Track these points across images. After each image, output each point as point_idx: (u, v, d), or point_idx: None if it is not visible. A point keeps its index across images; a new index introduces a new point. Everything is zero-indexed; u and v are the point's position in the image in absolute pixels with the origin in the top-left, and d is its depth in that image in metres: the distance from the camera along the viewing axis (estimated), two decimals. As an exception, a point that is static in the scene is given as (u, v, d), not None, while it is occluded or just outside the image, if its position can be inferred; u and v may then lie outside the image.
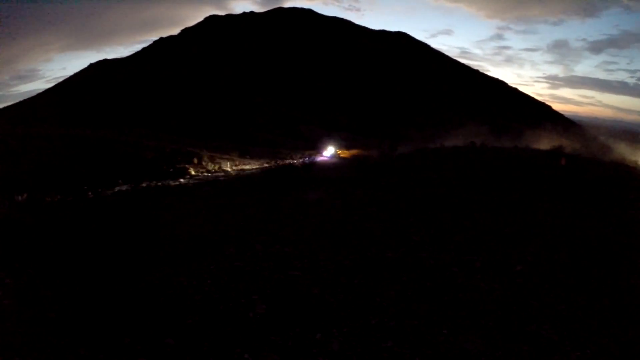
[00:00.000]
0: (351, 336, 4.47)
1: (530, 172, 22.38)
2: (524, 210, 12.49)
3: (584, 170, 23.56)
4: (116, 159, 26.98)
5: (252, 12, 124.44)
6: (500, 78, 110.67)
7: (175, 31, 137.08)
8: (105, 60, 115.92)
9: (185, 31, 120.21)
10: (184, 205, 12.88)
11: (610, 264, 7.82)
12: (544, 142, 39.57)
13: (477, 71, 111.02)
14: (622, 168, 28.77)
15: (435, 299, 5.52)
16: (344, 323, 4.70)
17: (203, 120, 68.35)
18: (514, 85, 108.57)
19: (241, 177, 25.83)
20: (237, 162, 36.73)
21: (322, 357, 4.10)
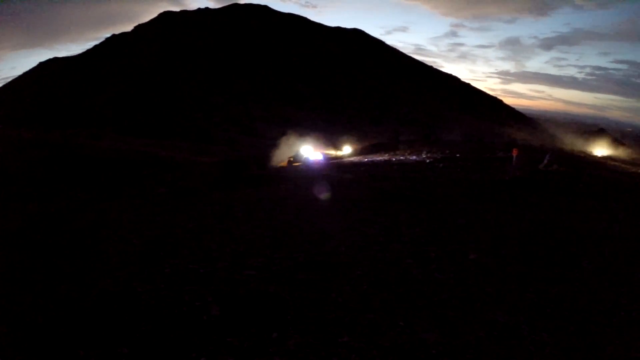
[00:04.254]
0: (307, 333, 4.40)
1: (483, 164, 23.09)
2: (479, 200, 12.84)
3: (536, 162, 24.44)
4: (69, 163, 25.87)
5: (207, 8, 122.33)
6: (454, 74, 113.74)
7: (129, 28, 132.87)
8: (56, 59, 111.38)
9: (139, 28, 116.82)
10: (136, 209, 12.45)
11: (562, 250, 8.14)
12: (497, 135, 40.92)
13: (431, 67, 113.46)
14: (575, 158, 30.18)
15: (391, 291, 5.52)
16: (300, 320, 4.63)
17: (157, 119, 66.69)
18: (467, 81, 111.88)
19: (197, 176, 25.32)
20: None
21: (278, 357, 4.00)
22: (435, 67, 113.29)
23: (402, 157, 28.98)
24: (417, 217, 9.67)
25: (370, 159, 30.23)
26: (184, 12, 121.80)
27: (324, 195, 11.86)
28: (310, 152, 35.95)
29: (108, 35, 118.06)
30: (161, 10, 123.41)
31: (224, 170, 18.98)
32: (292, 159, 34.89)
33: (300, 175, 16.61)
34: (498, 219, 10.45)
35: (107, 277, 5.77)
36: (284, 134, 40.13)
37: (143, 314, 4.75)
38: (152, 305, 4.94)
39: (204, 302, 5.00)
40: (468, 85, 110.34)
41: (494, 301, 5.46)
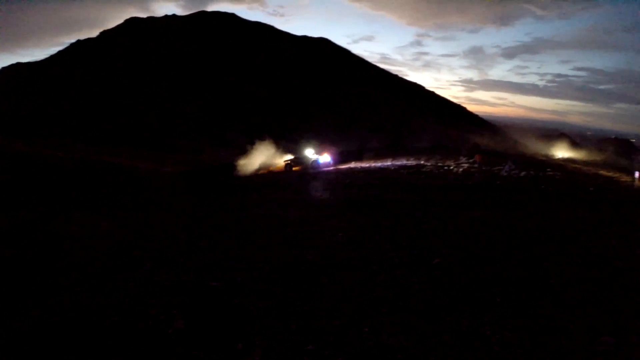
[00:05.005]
0: (273, 343, 4.38)
1: (447, 170, 23.53)
2: (443, 205, 13.05)
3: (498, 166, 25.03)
4: (32, 174, 24.98)
5: (174, 15, 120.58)
6: (419, 82, 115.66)
7: (94, 33, 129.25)
8: (19, 64, 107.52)
9: (105, 34, 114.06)
10: (99, 221, 12.11)
11: (524, 251, 8.36)
12: (461, 141, 41.79)
13: (396, 76, 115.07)
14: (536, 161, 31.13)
15: (356, 297, 5.55)
16: (265, 331, 4.60)
17: (122, 128, 65.19)
18: (431, 89, 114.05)
19: (162, 186, 24.84)
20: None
21: (243, 368, 3.98)
22: (400, 75, 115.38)
23: (368, 165, 29.20)
24: (382, 224, 9.78)
25: (335, 167, 30.31)
26: (151, 19, 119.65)
27: (290, 203, 11.83)
28: (318, 154, 33.09)
29: (73, 40, 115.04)
30: (128, 16, 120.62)
31: (189, 180, 18.60)
32: (290, 162, 32.31)
33: (267, 184, 16.50)
34: (461, 223, 10.65)
35: (70, 293, 5.62)
36: (252, 142, 39.22)
37: (107, 329, 4.64)
38: (115, 321, 4.83)
39: (168, 316, 4.92)
40: (433, 93, 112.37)
41: (458, 304, 5.55)
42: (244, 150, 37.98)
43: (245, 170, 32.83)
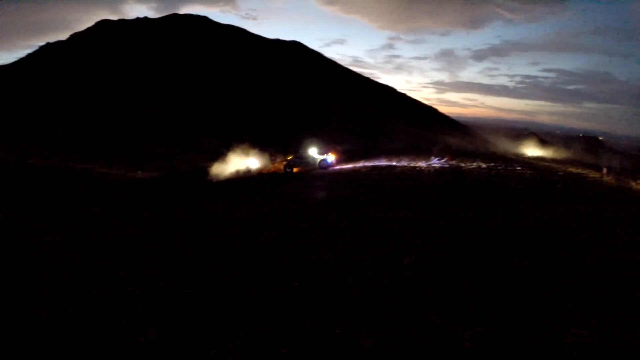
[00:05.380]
0: (246, 348, 4.38)
1: (418, 171, 23.83)
2: (413, 205, 13.22)
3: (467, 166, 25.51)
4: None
5: (146, 18, 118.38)
6: (391, 84, 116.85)
7: (64, 36, 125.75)
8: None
9: (75, 36, 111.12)
10: (70, 230, 11.83)
11: (493, 248, 8.55)
12: (433, 142, 42.33)
13: (368, 78, 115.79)
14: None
15: (328, 300, 5.59)
16: (239, 336, 4.60)
17: (92, 133, 63.63)
18: (403, 91, 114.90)
19: (132, 193, 24.38)
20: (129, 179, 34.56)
21: (217, 374, 3.98)
22: (372, 78, 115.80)
23: (340, 167, 29.25)
24: (353, 225, 9.84)
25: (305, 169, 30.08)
26: (122, 21, 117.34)
27: (260, 208, 11.79)
28: (324, 154, 30.89)
29: (42, 43, 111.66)
30: (98, 19, 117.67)
31: (160, 186, 18.24)
32: (290, 162, 30.26)
33: (236, 190, 16.36)
34: (431, 223, 10.82)
35: (41, 305, 5.52)
36: (225, 146, 38.28)
37: (79, 341, 4.57)
38: (87, 332, 4.76)
39: (141, 325, 4.87)
40: (404, 95, 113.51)
41: (429, 303, 5.64)
42: (217, 154, 37.34)
43: (219, 175, 32.18)
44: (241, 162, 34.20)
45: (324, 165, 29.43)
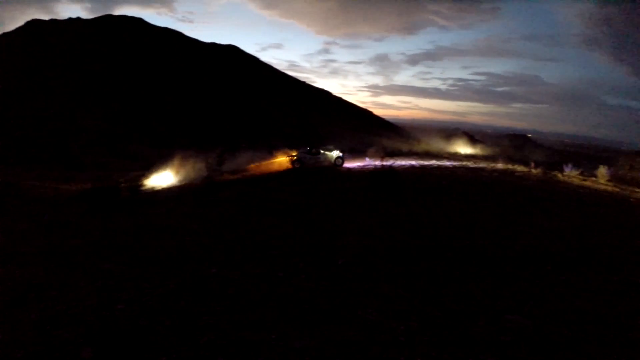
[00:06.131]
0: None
1: (354, 173, 24.30)
2: (347, 207, 13.47)
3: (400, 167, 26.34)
4: None
5: (78, 18, 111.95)
6: (327, 88, 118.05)
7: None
8: None
9: (3, 36, 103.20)
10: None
11: (425, 245, 8.92)
12: (369, 144, 43.16)
13: (304, 82, 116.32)
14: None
15: (263, 306, 5.61)
16: (173, 349, 4.53)
17: (20, 144, 59.35)
18: (339, 95, 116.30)
19: (64, 206, 23.07)
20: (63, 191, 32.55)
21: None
22: (308, 82, 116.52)
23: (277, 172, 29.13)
24: (287, 230, 9.88)
25: (242, 174, 29.75)
26: (53, 21, 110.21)
27: (192, 216, 11.58)
28: (336, 151, 29.15)
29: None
30: (29, 18, 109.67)
31: (93, 198, 17.37)
32: (298, 158, 28.54)
33: (170, 199, 15.91)
34: (365, 222, 11.09)
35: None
36: (162, 155, 36.69)
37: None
38: (19, 357, 4.51)
39: (74, 345, 4.68)
40: (340, 99, 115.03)
41: (364, 301, 5.80)
42: (152, 162, 35.94)
43: (158, 183, 30.97)
44: (188, 168, 32.93)
45: (339, 163, 28.31)
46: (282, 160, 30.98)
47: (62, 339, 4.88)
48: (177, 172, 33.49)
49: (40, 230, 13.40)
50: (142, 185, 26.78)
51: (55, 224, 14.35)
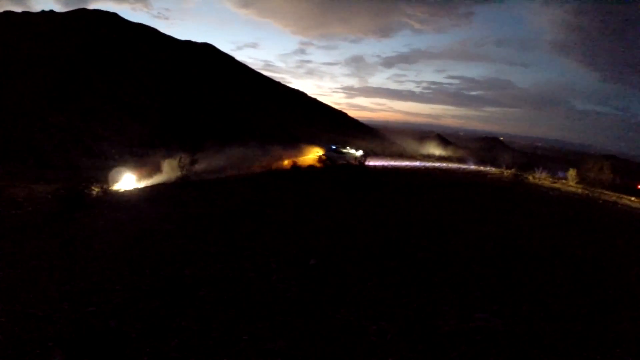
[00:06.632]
0: (153, 363, 4.30)
1: (327, 173, 24.46)
2: (321, 207, 13.54)
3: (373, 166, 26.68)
4: None
5: (52, 11, 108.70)
6: (302, 89, 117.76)
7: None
8: None
9: None
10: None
11: (397, 243, 9.06)
12: (343, 145, 43.48)
13: (279, 83, 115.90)
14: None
15: (235, 307, 5.64)
16: (144, 351, 4.52)
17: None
18: (313, 96, 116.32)
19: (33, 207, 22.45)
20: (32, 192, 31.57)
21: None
22: (283, 82, 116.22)
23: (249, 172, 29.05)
24: (260, 231, 9.87)
25: (217, 174, 29.53)
26: (25, 14, 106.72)
27: (165, 216, 11.47)
28: (360, 150, 31.25)
29: None
30: (1, 10, 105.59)
31: (62, 199, 16.97)
32: (328, 156, 29.75)
33: (142, 199, 15.70)
34: (337, 222, 11.18)
35: None
36: (136, 154, 35.99)
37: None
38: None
39: (45, 349, 4.62)
40: (315, 100, 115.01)
41: (336, 302, 5.88)
42: (125, 161, 35.23)
43: (131, 183, 30.34)
44: (168, 168, 32.38)
45: (363, 161, 29.35)
46: (307, 159, 31.84)
47: (32, 342, 4.81)
48: (151, 172, 32.93)
49: (9, 232, 13.07)
50: (113, 185, 26.31)
51: (25, 225, 14.00)
